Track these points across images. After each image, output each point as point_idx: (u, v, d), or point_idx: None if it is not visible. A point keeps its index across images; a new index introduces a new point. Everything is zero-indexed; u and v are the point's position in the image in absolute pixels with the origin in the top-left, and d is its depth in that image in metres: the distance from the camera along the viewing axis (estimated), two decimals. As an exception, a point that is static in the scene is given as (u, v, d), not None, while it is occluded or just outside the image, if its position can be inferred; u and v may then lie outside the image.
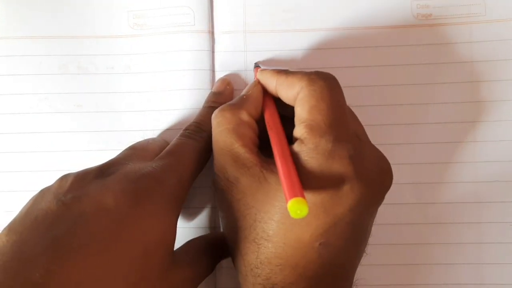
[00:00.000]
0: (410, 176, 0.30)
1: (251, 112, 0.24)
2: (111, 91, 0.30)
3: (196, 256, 0.25)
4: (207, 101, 0.29)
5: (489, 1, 0.30)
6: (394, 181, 0.23)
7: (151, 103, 0.30)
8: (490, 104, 0.30)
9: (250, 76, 0.30)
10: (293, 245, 0.21)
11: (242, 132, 0.23)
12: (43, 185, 0.23)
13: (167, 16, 0.30)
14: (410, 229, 0.29)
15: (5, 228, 0.21)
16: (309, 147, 0.21)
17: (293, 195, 0.19)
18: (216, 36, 0.31)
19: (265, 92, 0.26)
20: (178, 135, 0.27)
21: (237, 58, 0.30)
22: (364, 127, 0.25)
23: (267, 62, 0.30)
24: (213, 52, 0.30)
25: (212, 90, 0.30)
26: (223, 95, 0.29)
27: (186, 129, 0.27)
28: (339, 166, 0.21)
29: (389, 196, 0.23)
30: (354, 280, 0.24)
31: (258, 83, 0.26)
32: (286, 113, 0.24)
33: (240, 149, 0.23)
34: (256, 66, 0.29)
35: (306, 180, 0.20)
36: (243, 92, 0.26)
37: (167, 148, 0.26)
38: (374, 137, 0.25)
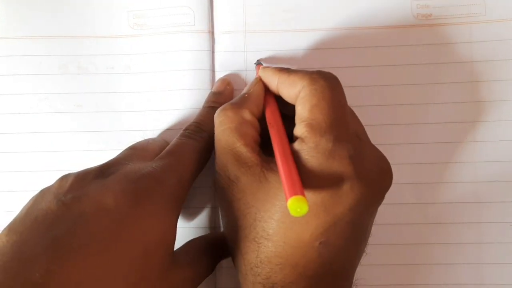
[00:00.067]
0: (410, 176, 0.30)
1: (253, 111, 0.24)
2: (111, 91, 0.30)
3: (196, 256, 0.25)
4: (207, 101, 0.29)
5: (489, 1, 0.30)
6: (394, 181, 0.23)
7: (151, 103, 0.30)
8: (490, 104, 0.30)
9: (250, 76, 0.30)
10: (293, 244, 0.21)
11: (244, 131, 0.23)
12: (43, 185, 0.23)
13: (167, 16, 0.30)
14: (410, 229, 0.29)
15: (5, 228, 0.21)
16: (310, 146, 0.21)
17: (293, 193, 0.19)
18: (216, 36, 0.31)
19: (266, 90, 0.26)
20: (178, 135, 0.27)
21: (237, 58, 0.30)
22: (364, 127, 0.25)
23: (269, 59, 0.30)
24: (213, 52, 0.30)
25: (212, 90, 0.30)
26: (223, 95, 0.29)
27: (186, 129, 0.27)
28: (339, 165, 0.21)
29: (389, 196, 0.23)
30: (354, 279, 0.24)
31: (259, 80, 0.26)
32: (287, 112, 0.25)
33: (242, 148, 0.23)
34: (258, 63, 0.29)
35: (306, 179, 0.20)
36: (245, 90, 0.26)
37: (167, 148, 0.26)
38: (374, 137, 0.25)
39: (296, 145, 0.22)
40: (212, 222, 0.30)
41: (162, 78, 0.30)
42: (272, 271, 0.21)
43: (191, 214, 0.30)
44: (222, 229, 0.27)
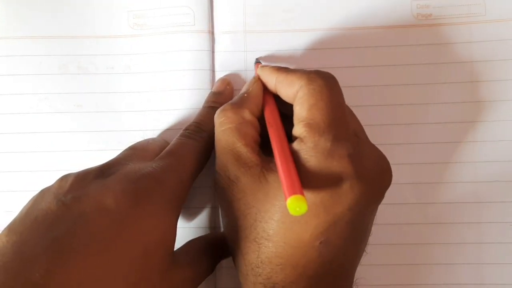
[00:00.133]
0: (410, 176, 0.30)
1: (253, 110, 0.24)
2: (111, 91, 0.30)
3: (196, 256, 0.25)
4: (207, 101, 0.29)
5: (489, 1, 0.30)
6: (394, 181, 0.23)
7: (151, 103, 0.30)
8: (489, 104, 0.30)
9: (250, 76, 0.30)
10: (294, 244, 0.21)
11: (244, 131, 0.23)
12: (43, 185, 0.23)
13: (167, 16, 0.30)
14: (410, 229, 0.29)
15: (5, 229, 0.21)
16: (309, 145, 0.21)
17: (292, 192, 0.19)
18: (216, 36, 0.31)
19: (265, 89, 0.26)
20: (178, 135, 0.27)
21: (237, 58, 0.30)
22: (364, 127, 0.25)
23: (268, 58, 0.30)
24: (213, 52, 0.30)
25: (212, 90, 0.30)
26: (223, 95, 0.29)
27: (186, 129, 0.27)
28: (338, 165, 0.21)
29: (389, 196, 0.23)
30: (355, 279, 0.24)
31: (258, 79, 0.26)
32: (286, 111, 0.25)
33: (242, 148, 0.23)
34: (257, 62, 0.29)
35: (306, 178, 0.20)
36: (244, 89, 0.26)
37: (167, 148, 0.26)
38: (374, 137, 0.25)
39: (295, 145, 0.22)
40: (212, 222, 0.30)
41: (162, 78, 0.30)
42: (273, 271, 0.21)
43: (191, 214, 0.30)
44: (222, 229, 0.27)
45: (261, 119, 0.25)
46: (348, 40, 0.30)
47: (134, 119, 0.30)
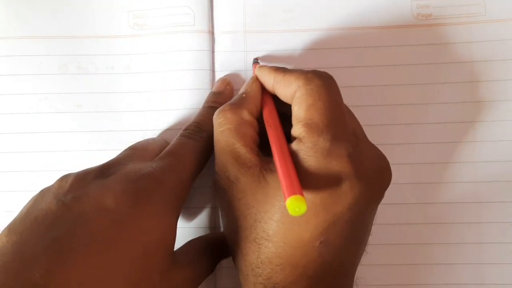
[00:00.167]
0: (410, 176, 0.30)
1: (251, 111, 0.24)
2: (111, 91, 0.30)
3: (196, 256, 0.25)
4: (207, 101, 0.29)
5: (488, 1, 0.30)
6: (394, 181, 0.23)
7: (151, 103, 0.30)
8: (489, 104, 0.30)
9: (250, 76, 0.30)
10: (293, 244, 0.21)
11: (244, 131, 0.23)
12: (43, 185, 0.23)
13: (167, 16, 0.30)
14: (410, 229, 0.29)
15: (5, 229, 0.21)
16: (307, 145, 0.21)
17: (292, 192, 0.19)
18: (216, 36, 0.31)
19: (263, 89, 0.26)
20: (178, 135, 0.27)
21: (237, 58, 0.30)
22: (364, 127, 0.25)
23: (266, 58, 0.30)
24: (213, 52, 0.31)
25: (212, 90, 0.30)
26: (223, 95, 0.29)
27: (186, 129, 0.27)
28: (337, 164, 0.21)
29: (389, 196, 0.23)
30: (355, 278, 0.24)
31: (256, 79, 0.26)
32: (284, 110, 0.25)
33: (241, 149, 0.23)
34: (255, 61, 0.29)
35: (305, 178, 0.20)
36: (242, 90, 0.26)
37: (167, 148, 0.26)
38: (374, 137, 0.25)
39: (294, 145, 0.22)
40: (212, 222, 0.30)
41: (162, 78, 0.30)
42: (273, 271, 0.21)
43: (191, 214, 0.30)
44: (222, 229, 0.27)
45: (260, 119, 0.25)
46: (348, 40, 0.30)
47: (134, 119, 0.30)
